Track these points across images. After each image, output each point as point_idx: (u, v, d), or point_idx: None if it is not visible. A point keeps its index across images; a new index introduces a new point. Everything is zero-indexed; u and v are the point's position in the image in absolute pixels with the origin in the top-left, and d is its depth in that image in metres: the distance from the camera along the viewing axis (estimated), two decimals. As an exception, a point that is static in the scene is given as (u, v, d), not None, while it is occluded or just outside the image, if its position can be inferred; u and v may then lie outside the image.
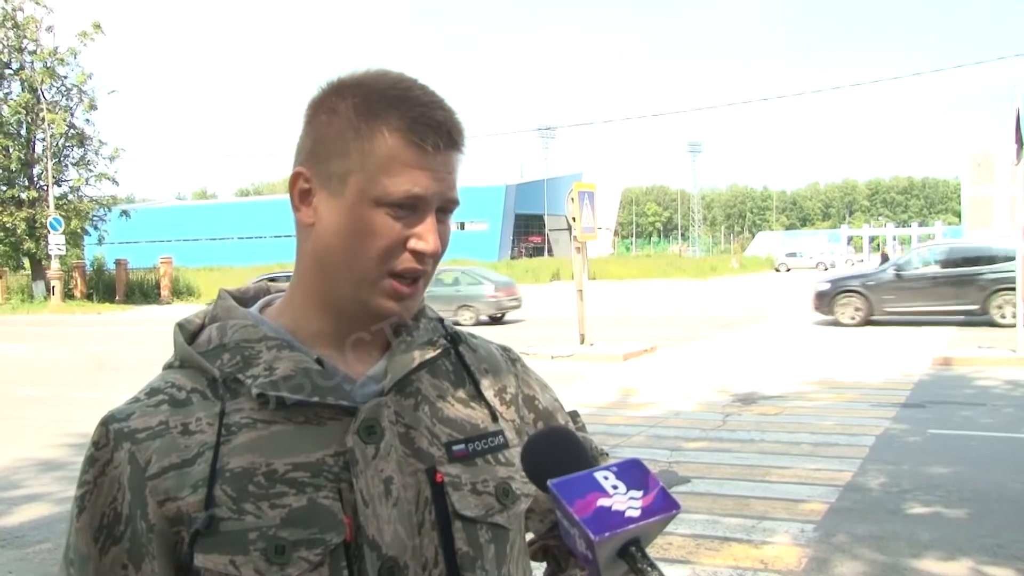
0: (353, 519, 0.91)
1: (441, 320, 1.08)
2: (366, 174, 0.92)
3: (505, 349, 1.15)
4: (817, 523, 5.53)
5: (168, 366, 1.00)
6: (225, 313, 1.01)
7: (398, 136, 0.92)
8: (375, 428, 0.94)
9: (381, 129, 0.92)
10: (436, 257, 0.95)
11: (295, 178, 0.97)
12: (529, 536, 1.12)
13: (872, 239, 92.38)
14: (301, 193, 0.97)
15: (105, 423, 0.94)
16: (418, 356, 1.01)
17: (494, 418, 1.05)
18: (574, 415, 1.21)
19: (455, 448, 0.99)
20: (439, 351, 1.03)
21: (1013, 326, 12.93)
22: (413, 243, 0.93)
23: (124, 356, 16.11)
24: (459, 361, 1.07)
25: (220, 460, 0.90)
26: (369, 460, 0.93)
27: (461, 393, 1.04)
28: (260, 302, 1.06)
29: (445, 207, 0.96)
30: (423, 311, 1.06)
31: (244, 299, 1.07)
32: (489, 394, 1.06)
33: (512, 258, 64.69)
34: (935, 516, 5.64)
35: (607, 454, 1.21)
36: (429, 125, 0.92)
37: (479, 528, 0.97)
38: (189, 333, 1.01)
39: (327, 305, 0.98)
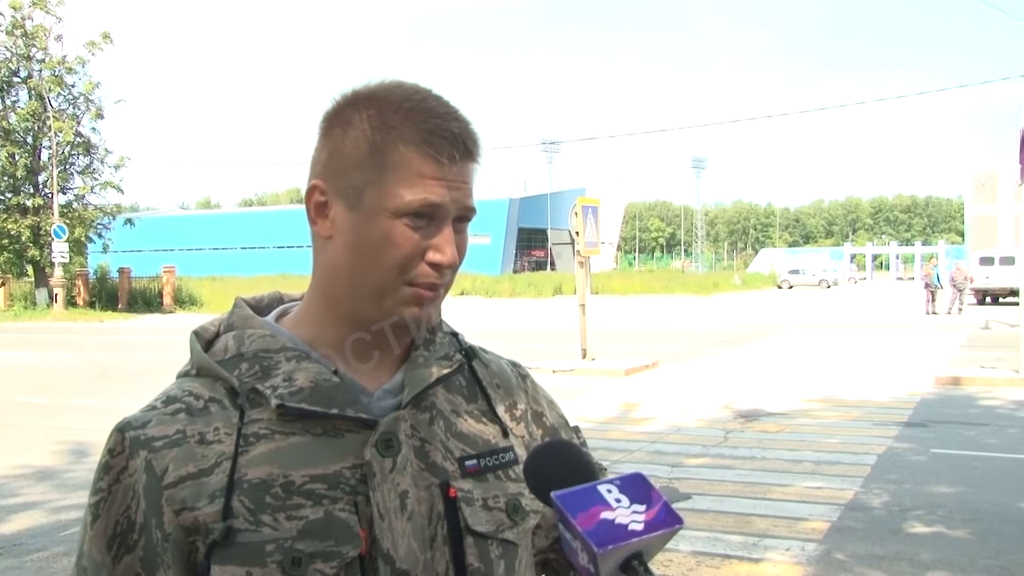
0: (368, 532, 0.91)
1: (456, 334, 1.09)
2: (382, 186, 0.92)
3: (515, 365, 1.15)
4: (818, 541, 5.51)
5: (183, 374, 0.99)
6: (242, 322, 1.01)
7: (413, 148, 0.92)
8: (392, 442, 0.94)
9: (396, 142, 0.92)
10: (454, 268, 0.95)
11: (311, 191, 0.97)
12: None
13: (875, 257, 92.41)
14: (317, 206, 0.97)
15: (121, 430, 0.94)
16: (435, 371, 1.01)
17: (505, 434, 1.05)
18: (576, 431, 1.21)
19: (468, 463, 0.99)
20: (455, 366, 1.04)
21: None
22: (431, 255, 0.93)
23: (125, 364, 16.12)
24: (472, 376, 1.07)
25: (238, 471, 0.90)
26: (386, 473, 0.93)
27: (474, 409, 1.04)
28: (275, 311, 1.06)
29: (462, 216, 0.96)
30: (440, 325, 1.06)
31: (259, 307, 1.07)
32: (500, 410, 1.06)
33: (515, 272, 64.74)
34: (937, 536, 5.62)
35: (606, 469, 1.21)
36: (445, 137, 0.92)
37: (490, 543, 0.98)
38: (205, 341, 1.01)
39: (345, 316, 0.98)
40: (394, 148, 0.92)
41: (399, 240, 0.92)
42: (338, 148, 0.95)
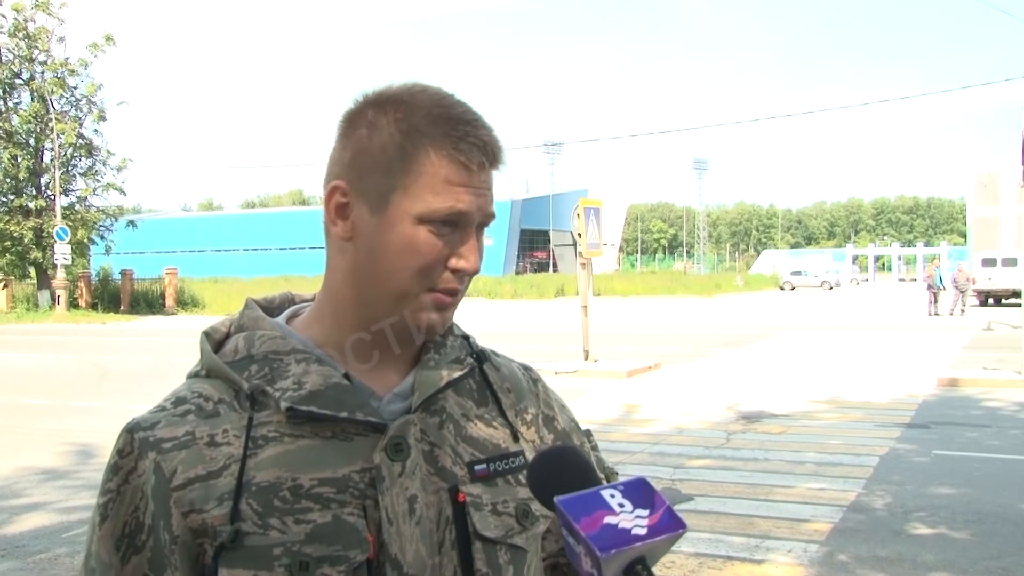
0: (376, 537, 0.91)
1: (467, 337, 1.08)
2: (409, 192, 0.92)
3: (526, 368, 1.15)
4: (821, 543, 5.51)
5: (193, 375, 0.99)
6: (252, 323, 1.00)
7: (444, 155, 0.92)
8: (402, 446, 0.94)
9: (427, 148, 0.92)
10: (475, 275, 0.96)
11: (332, 192, 0.96)
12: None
13: (877, 258, 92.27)
14: (338, 207, 0.96)
15: (130, 431, 0.93)
16: (446, 375, 1.00)
17: (515, 438, 1.04)
18: (587, 434, 1.21)
19: (477, 468, 0.99)
20: (465, 370, 1.03)
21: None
22: (454, 261, 0.94)
23: (127, 366, 16.13)
24: (483, 380, 1.06)
25: (246, 473, 0.90)
26: (395, 478, 0.93)
27: (484, 412, 1.04)
28: (286, 312, 1.05)
29: (483, 222, 0.96)
30: (451, 328, 1.06)
31: (270, 308, 1.06)
32: (511, 414, 1.06)
33: (517, 273, 64.70)
34: (939, 537, 5.61)
35: (617, 473, 1.21)
36: (475, 144, 0.93)
37: (498, 549, 0.97)
38: (215, 342, 1.00)
39: (360, 319, 0.97)
40: (424, 153, 0.92)
41: (423, 247, 0.92)
42: (363, 149, 0.94)
